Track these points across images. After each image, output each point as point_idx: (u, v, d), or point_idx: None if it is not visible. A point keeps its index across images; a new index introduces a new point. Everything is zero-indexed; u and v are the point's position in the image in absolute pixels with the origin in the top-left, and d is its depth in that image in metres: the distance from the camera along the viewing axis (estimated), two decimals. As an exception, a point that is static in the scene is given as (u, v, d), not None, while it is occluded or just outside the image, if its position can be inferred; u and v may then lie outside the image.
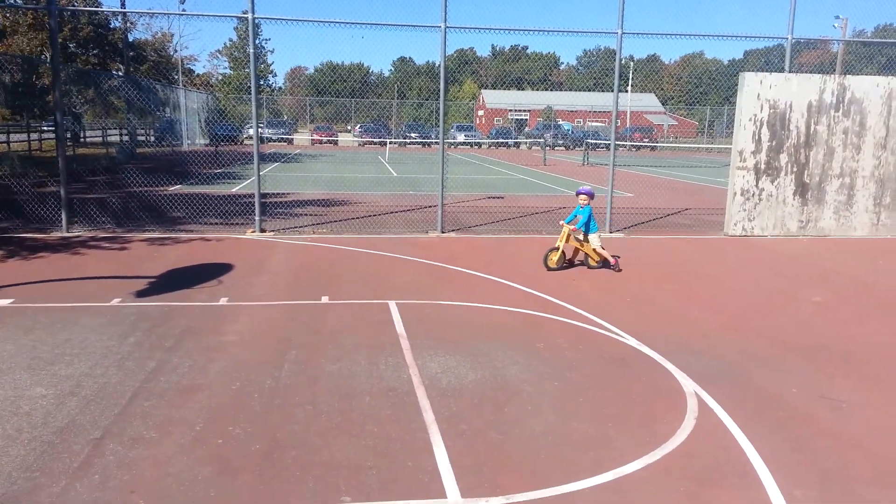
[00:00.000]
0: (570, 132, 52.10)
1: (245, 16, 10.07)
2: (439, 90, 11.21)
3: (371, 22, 10.86)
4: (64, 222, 10.37)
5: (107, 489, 3.30)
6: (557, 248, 8.35)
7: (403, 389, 4.63)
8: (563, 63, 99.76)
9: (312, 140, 45.39)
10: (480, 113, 72.58)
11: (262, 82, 67.29)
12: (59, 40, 11.04)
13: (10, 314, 6.11)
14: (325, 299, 6.90)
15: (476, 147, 47.76)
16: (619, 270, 8.40)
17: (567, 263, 8.53)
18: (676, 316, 6.68)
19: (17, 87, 24.73)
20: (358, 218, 12.44)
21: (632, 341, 5.80)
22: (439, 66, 10.99)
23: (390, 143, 36.71)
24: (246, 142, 39.84)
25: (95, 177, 19.16)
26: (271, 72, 64.37)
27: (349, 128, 56.05)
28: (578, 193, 8.44)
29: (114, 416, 4.08)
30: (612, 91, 11.27)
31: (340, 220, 12.07)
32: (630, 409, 4.44)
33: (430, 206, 13.80)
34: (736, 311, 6.90)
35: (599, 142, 35.55)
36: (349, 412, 4.25)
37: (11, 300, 6.55)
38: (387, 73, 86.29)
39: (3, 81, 24.20)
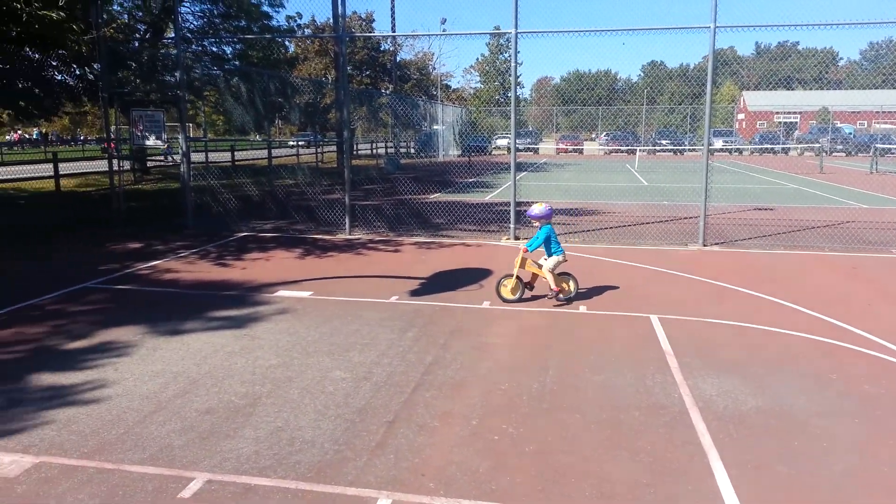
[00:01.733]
0: (851, 136, 45.88)
1: (507, 32, 10.49)
2: (693, 94, 10.62)
3: (630, 28, 10.63)
4: (347, 226, 11.71)
5: (400, 469, 3.64)
6: (511, 276, 7.14)
7: (675, 409, 4.44)
8: (841, 59, 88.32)
9: (557, 149, 45.82)
10: (741, 116, 67.21)
11: (509, 94, 69.91)
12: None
13: (311, 305, 7.05)
14: (582, 309, 6.89)
15: (736, 154, 44.28)
16: (558, 302, 7.05)
17: (527, 289, 7.22)
18: None
19: (308, 106, 28.63)
20: (609, 228, 12.24)
21: (953, 381, 4.91)
22: (695, 67, 10.38)
23: (640, 150, 35.56)
24: (494, 152, 41.55)
25: (368, 185, 21.37)
26: (519, 83, 66.51)
27: (594, 136, 55.53)
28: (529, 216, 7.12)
29: (401, 403, 4.49)
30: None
31: (591, 230, 11.98)
32: (958, 461, 3.75)
33: (686, 217, 13.09)
34: None
35: (891, 146, 30.77)
36: (619, 425, 4.19)
37: (311, 292, 7.55)
38: (635, 79, 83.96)
39: (297, 102, 28.18)
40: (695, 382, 4.88)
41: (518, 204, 11.19)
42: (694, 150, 43.19)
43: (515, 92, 10.55)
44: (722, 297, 7.44)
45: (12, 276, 8.28)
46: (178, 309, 6.81)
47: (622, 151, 42.28)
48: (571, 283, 7.17)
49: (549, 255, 7.01)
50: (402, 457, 3.77)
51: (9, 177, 17.47)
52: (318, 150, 31.89)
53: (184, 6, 21.42)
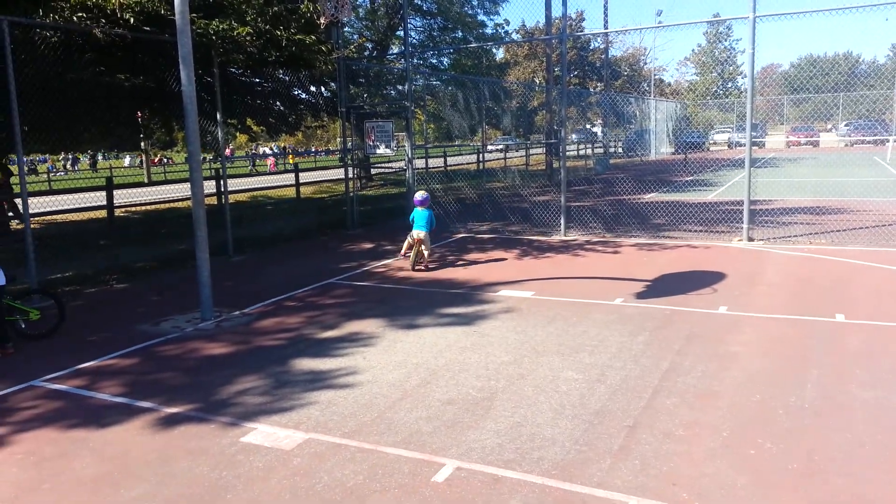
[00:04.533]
0: None
1: (742, 17, 9.72)
2: None
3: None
4: (562, 226, 11.65)
5: (648, 475, 3.50)
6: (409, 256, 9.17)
7: (975, 437, 3.76)
8: None
9: (788, 142, 41.59)
10: None
11: (729, 84, 64.90)
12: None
13: (534, 305, 7.10)
14: (840, 318, 6.14)
15: None
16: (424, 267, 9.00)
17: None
18: None
19: (518, 109, 29.07)
20: (864, 228, 10.81)
21: None
22: None
23: (893, 140, 31.07)
24: (712, 148, 38.85)
25: (578, 186, 21.12)
26: (742, 73, 61.51)
27: (830, 127, 49.56)
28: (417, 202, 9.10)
29: (641, 408, 4.33)
30: None
31: (840, 231, 10.67)
32: None
33: (964, 215, 11.18)
34: None
35: None
36: (901, 450, 3.65)
37: (532, 292, 7.60)
38: (883, 61, 73.50)
39: (507, 107, 28.74)
40: None
41: (752, 202, 10.29)
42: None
43: (752, 81, 9.72)
44: None
45: (272, 271, 9.40)
46: (412, 304, 7.24)
47: (867, 142, 37.23)
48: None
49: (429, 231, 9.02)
50: (648, 463, 3.62)
51: (259, 186, 20.04)
52: (527, 152, 32.21)
53: (409, 22, 22.93)
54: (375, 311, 7.00)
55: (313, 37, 10.18)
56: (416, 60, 23.25)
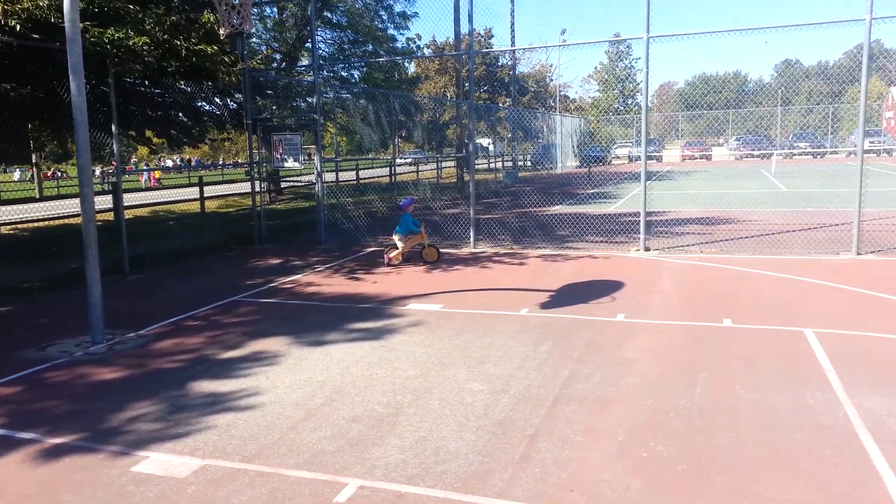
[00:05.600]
0: None
1: (636, 37, 10.22)
2: (833, 93, 9.86)
3: (771, 25, 10.04)
4: (472, 239, 11.81)
5: (547, 483, 3.58)
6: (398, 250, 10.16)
7: (841, 429, 4.08)
8: None
9: (683, 156, 43.95)
10: (889, 115, 61.53)
11: (630, 101, 67.97)
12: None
13: (442, 318, 7.14)
14: (727, 322, 6.52)
15: (886, 155, 40.53)
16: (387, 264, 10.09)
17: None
18: None
19: (429, 123, 29.31)
20: (750, 237, 11.55)
21: None
22: (835, 65, 9.60)
23: (776, 154, 33.43)
24: (614, 161, 40.51)
25: (488, 199, 21.50)
26: (640, 90, 64.58)
27: (722, 141, 52.80)
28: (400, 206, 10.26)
29: (542, 417, 4.43)
30: None
31: (729, 240, 11.35)
32: None
33: (835, 224, 12.15)
34: None
35: None
36: (778, 446, 3.91)
37: (441, 305, 7.65)
38: (767, 80, 79.11)
39: (418, 120, 28.93)
40: (861, 401, 4.47)
41: (648, 214, 10.80)
42: (836, 152, 40.05)
43: (647, 98, 10.25)
44: (884, 309, 6.80)
45: (172, 290, 9.02)
46: (319, 321, 7.13)
47: (755, 156, 39.88)
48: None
49: (406, 234, 10.13)
50: (547, 471, 3.71)
51: (161, 200, 19.21)
52: (438, 165, 32.49)
53: (318, 35, 22.73)
54: (281, 328, 6.84)
55: (215, 47, 9.91)
56: (326, 73, 23.06)
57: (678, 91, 76.82)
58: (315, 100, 13.05)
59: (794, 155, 41.43)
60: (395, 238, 10.23)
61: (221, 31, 6.80)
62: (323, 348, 6.14)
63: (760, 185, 23.87)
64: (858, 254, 9.56)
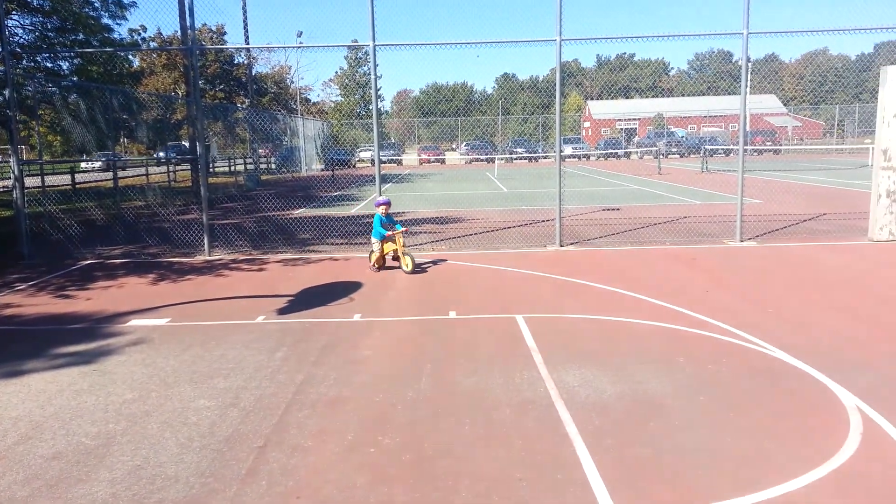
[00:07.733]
0: (684, 139, 50.29)
1: (366, 44, 10.52)
2: (543, 105, 11.25)
3: (484, 41, 11.01)
4: (206, 246, 11.16)
5: (274, 494, 3.51)
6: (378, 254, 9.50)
7: (543, 402, 4.62)
8: (672, 68, 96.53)
9: (420, 160, 46.47)
10: (587, 125, 71.61)
11: (370, 107, 69.98)
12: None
13: (168, 332, 6.64)
14: (452, 314, 7.01)
15: (585, 159, 47.12)
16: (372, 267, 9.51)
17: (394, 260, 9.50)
18: (825, 327, 6.26)
19: (157, 122, 27.05)
20: (474, 234, 12.57)
21: (779, 354, 5.50)
22: (544, 80, 11.00)
23: (498, 159, 36.82)
24: (358, 165, 41.40)
25: (228, 203, 20.52)
26: (380, 96, 66.78)
27: (454, 146, 56.91)
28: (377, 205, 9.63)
29: (272, 426, 4.33)
30: (728, 95, 10.95)
31: (457, 237, 12.25)
32: (787, 424, 4.20)
33: (544, 221, 13.74)
34: (891, 322, 6.37)
35: (717, 147, 34.06)
36: (492, 424, 4.30)
37: (168, 319, 7.11)
38: (490, 91, 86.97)
39: (145, 119, 26.58)
40: (559, 375, 5.11)
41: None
42: (547, 157, 45.45)
43: (377, 104, 10.59)
44: (579, 293, 7.86)
45: None
46: (17, 348, 6.17)
47: (482, 160, 43.61)
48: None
49: (382, 237, 9.37)
50: (274, 482, 3.63)
51: None
52: (171, 168, 30.21)
53: (12, 19, 19.59)
54: (-38, 361, 5.78)
55: None
56: (26, 63, 20.05)
57: (414, 98, 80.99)
58: (8, 93, 11.26)
59: (514, 159, 46.18)
60: (374, 242, 9.56)
61: None
62: (20, 379, 5.32)
63: (485, 186, 26.17)
64: (561, 246, 10.94)
